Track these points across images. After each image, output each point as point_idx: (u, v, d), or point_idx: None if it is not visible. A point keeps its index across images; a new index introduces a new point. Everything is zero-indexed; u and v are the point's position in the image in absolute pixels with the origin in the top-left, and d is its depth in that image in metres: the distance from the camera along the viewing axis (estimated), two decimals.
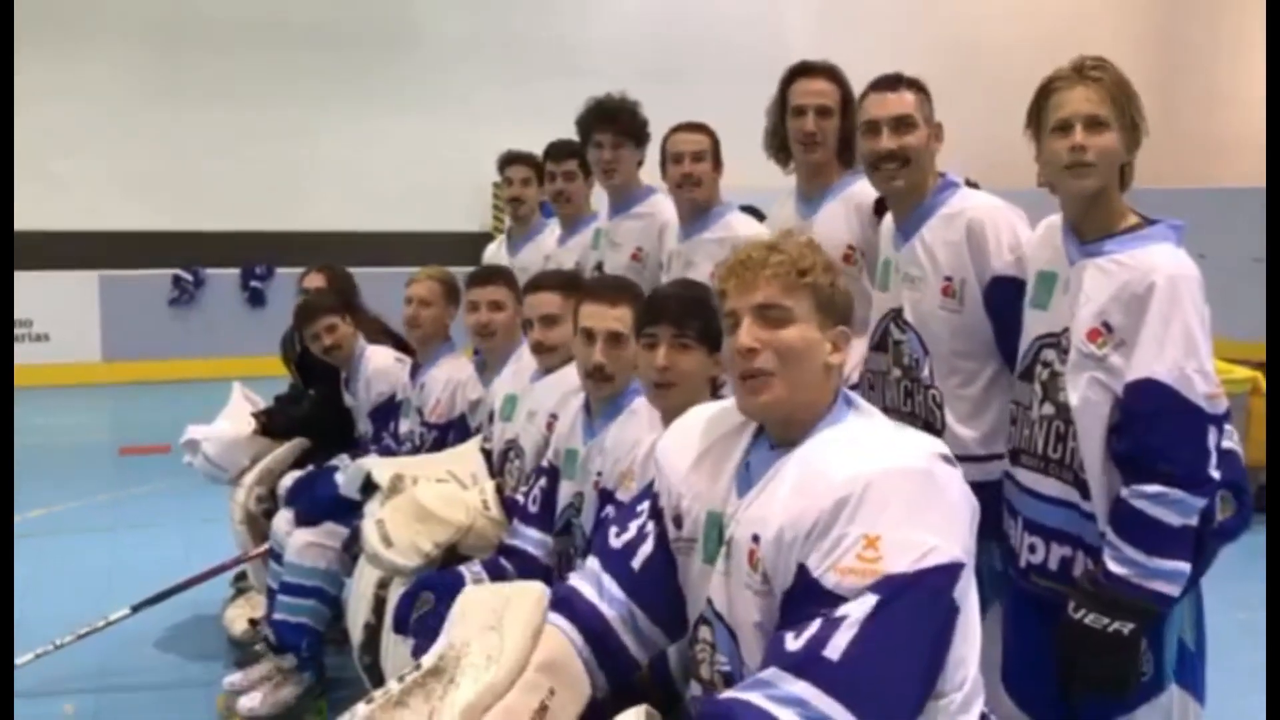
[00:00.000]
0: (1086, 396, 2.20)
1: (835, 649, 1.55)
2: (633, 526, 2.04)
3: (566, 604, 1.99)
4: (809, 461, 1.74)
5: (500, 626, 1.90)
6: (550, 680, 1.86)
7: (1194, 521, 2.10)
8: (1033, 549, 2.35)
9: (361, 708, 1.81)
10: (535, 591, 1.99)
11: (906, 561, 1.58)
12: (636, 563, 1.99)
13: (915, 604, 1.58)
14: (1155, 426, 2.10)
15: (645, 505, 2.05)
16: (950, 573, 1.61)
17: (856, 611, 1.57)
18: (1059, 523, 2.30)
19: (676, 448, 1.99)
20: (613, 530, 2.07)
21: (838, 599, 1.59)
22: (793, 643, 1.59)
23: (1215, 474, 2.11)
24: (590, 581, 2.01)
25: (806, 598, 1.63)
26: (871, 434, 1.78)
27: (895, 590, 1.57)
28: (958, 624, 1.63)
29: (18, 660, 3.70)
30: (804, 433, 1.80)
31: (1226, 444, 2.16)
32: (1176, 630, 2.23)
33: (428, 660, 1.88)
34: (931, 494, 1.65)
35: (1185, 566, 2.11)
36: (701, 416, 2.02)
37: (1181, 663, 2.24)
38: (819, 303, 1.81)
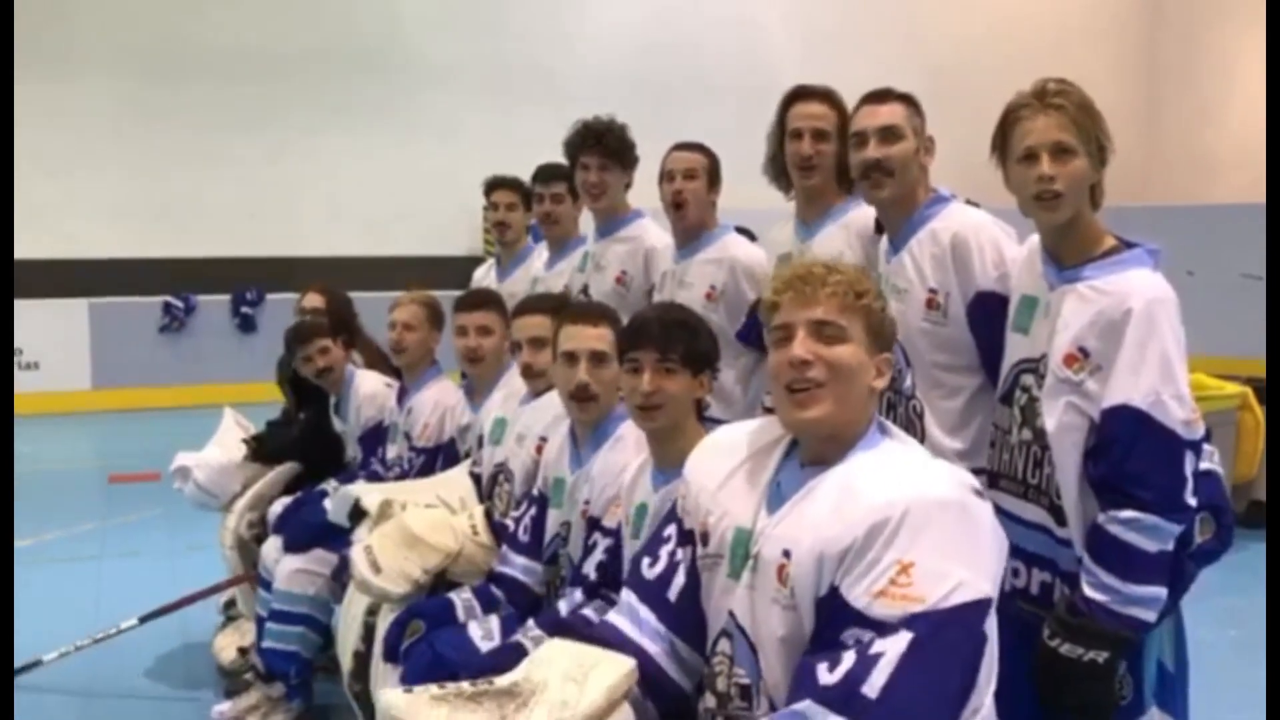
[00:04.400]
0: (1062, 421, 2.20)
1: (873, 687, 1.56)
2: (663, 555, 2.06)
3: (608, 639, 2.02)
4: (846, 483, 1.76)
5: (583, 682, 1.92)
6: None
7: (1170, 547, 2.10)
8: (1015, 573, 2.34)
9: (434, 688, 1.86)
10: (628, 664, 1.98)
11: (938, 595, 1.60)
12: (672, 594, 2.02)
13: (949, 641, 1.59)
14: (1131, 452, 2.10)
15: (672, 530, 2.07)
16: (980, 608, 1.63)
17: (892, 649, 1.58)
18: (1038, 548, 2.31)
19: (705, 466, 2.02)
20: (645, 561, 2.09)
21: (868, 621, 1.61)
22: (827, 675, 1.60)
23: (1192, 500, 2.11)
24: (628, 617, 2.05)
25: (837, 620, 1.66)
26: (907, 460, 1.81)
27: (929, 627, 1.58)
28: (984, 654, 1.64)
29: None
30: (839, 453, 1.82)
31: (1206, 466, 2.17)
32: (1155, 653, 2.23)
33: (501, 681, 1.90)
34: (965, 526, 1.67)
35: (1162, 592, 2.11)
36: (731, 435, 2.05)
37: (1161, 685, 2.24)
38: (870, 326, 1.85)
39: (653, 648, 2.00)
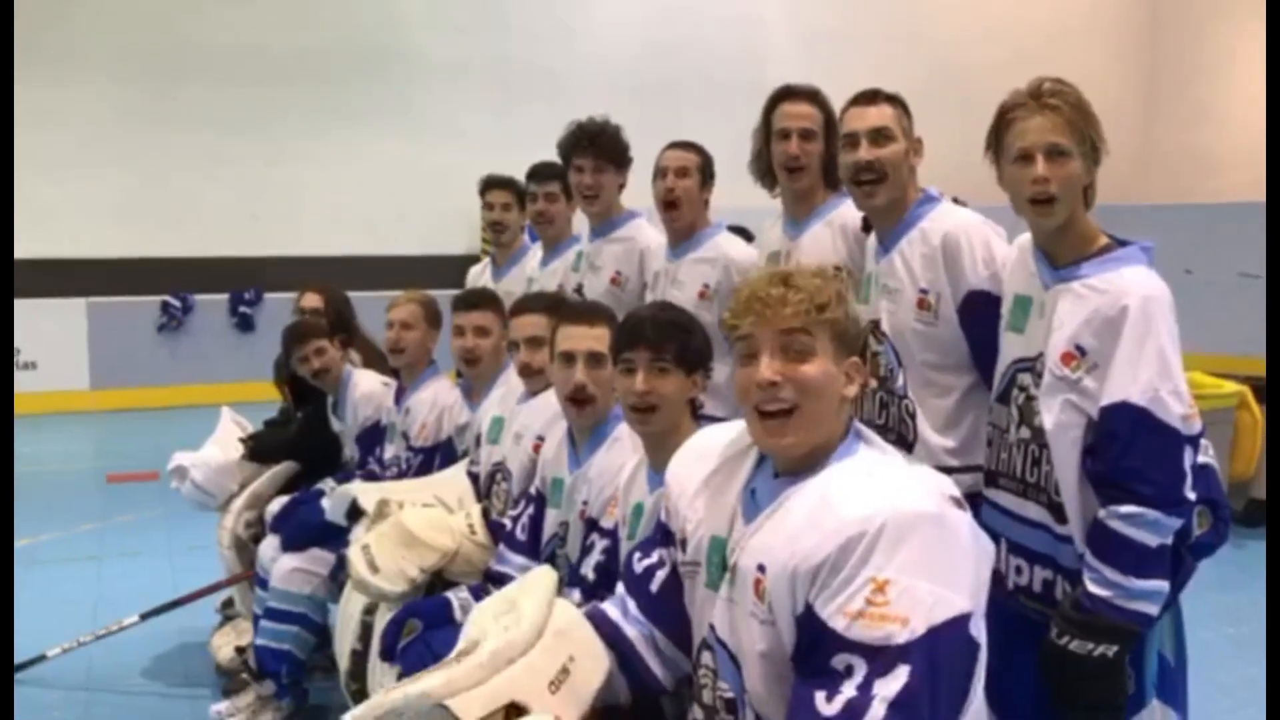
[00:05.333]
0: (1060, 419, 2.20)
1: (875, 717, 1.54)
2: (654, 553, 2.09)
3: (593, 621, 2.06)
4: (822, 495, 1.72)
5: (515, 606, 2.00)
6: (569, 647, 1.94)
7: (1170, 541, 2.11)
8: (1018, 570, 2.35)
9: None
10: (544, 569, 2.10)
11: (920, 617, 1.57)
12: (654, 586, 2.05)
13: (942, 662, 1.58)
14: (1131, 448, 2.10)
15: (661, 531, 2.09)
16: (962, 623, 1.61)
17: (889, 688, 1.55)
18: (1039, 545, 2.31)
19: (684, 471, 2.02)
20: (636, 555, 2.13)
21: (855, 646, 1.58)
22: (825, 705, 1.58)
23: (1191, 495, 2.11)
24: (617, 605, 2.10)
25: (819, 643, 1.63)
26: (884, 470, 1.76)
27: (921, 655, 1.56)
28: (977, 661, 1.64)
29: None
30: (814, 464, 1.79)
31: (1202, 460, 2.17)
32: (1156, 646, 2.24)
33: (449, 657, 1.96)
34: (943, 541, 1.64)
35: (1164, 585, 2.12)
36: (708, 439, 2.04)
37: (1162, 678, 2.25)
38: (836, 335, 1.80)
39: (631, 631, 2.05)
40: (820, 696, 1.59)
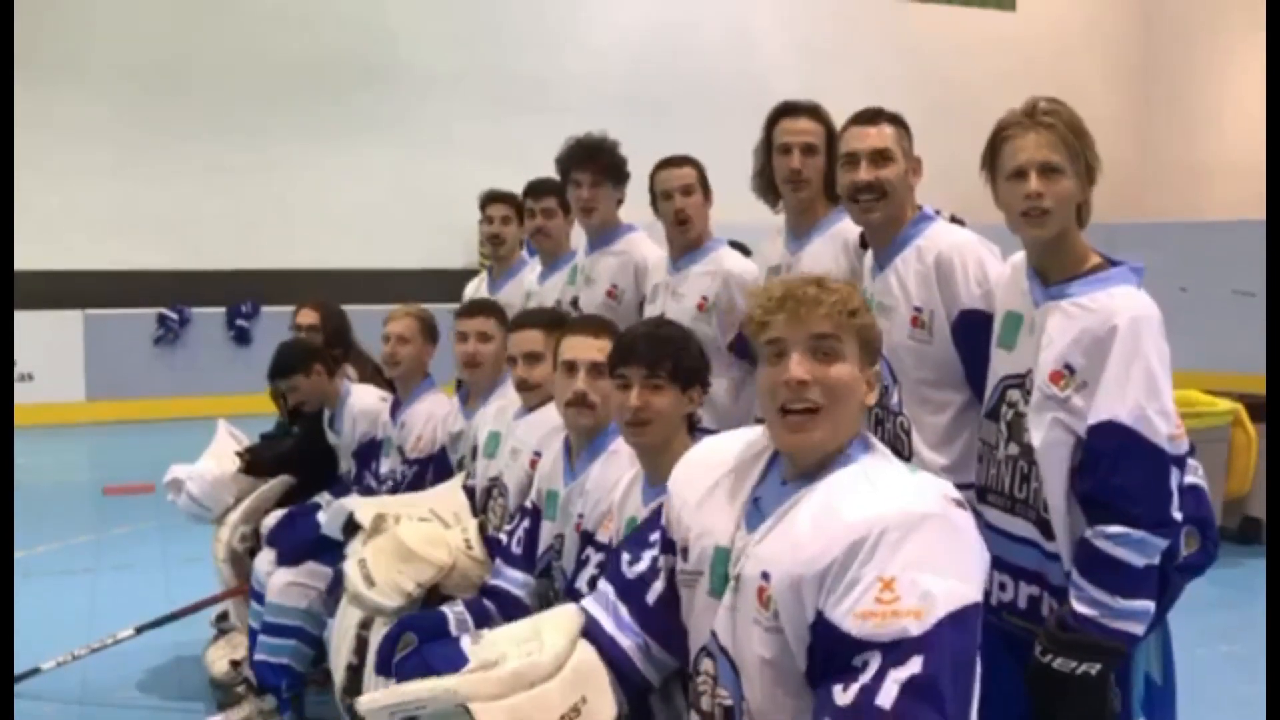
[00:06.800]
0: (1049, 438, 2.21)
1: (887, 697, 1.56)
2: (645, 557, 2.09)
3: (587, 633, 2.07)
4: (826, 500, 1.74)
5: (539, 635, 2.03)
6: (583, 688, 1.96)
7: (1157, 561, 2.12)
8: (1003, 587, 2.36)
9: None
10: (571, 607, 2.12)
11: (929, 608, 1.59)
12: (650, 597, 2.06)
13: (953, 650, 1.60)
14: (1118, 468, 2.11)
15: (656, 536, 2.09)
16: (972, 613, 1.63)
17: (903, 674, 1.57)
18: (1026, 562, 2.32)
19: (687, 480, 2.02)
20: (626, 558, 2.13)
21: (866, 645, 1.60)
22: (842, 695, 1.60)
23: (1177, 515, 2.13)
24: (608, 611, 2.09)
25: (834, 648, 1.64)
26: (886, 475, 1.78)
27: (935, 646, 1.58)
28: (978, 656, 1.66)
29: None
30: (822, 469, 1.81)
31: (1190, 480, 2.19)
32: (1143, 666, 2.25)
33: (469, 666, 2.00)
34: (948, 535, 1.66)
35: (1150, 605, 2.13)
36: (712, 449, 2.04)
37: (1149, 698, 2.26)
38: (862, 343, 1.83)
39: (626, 642, 2.06)
40: (837, 689, 1.61)
